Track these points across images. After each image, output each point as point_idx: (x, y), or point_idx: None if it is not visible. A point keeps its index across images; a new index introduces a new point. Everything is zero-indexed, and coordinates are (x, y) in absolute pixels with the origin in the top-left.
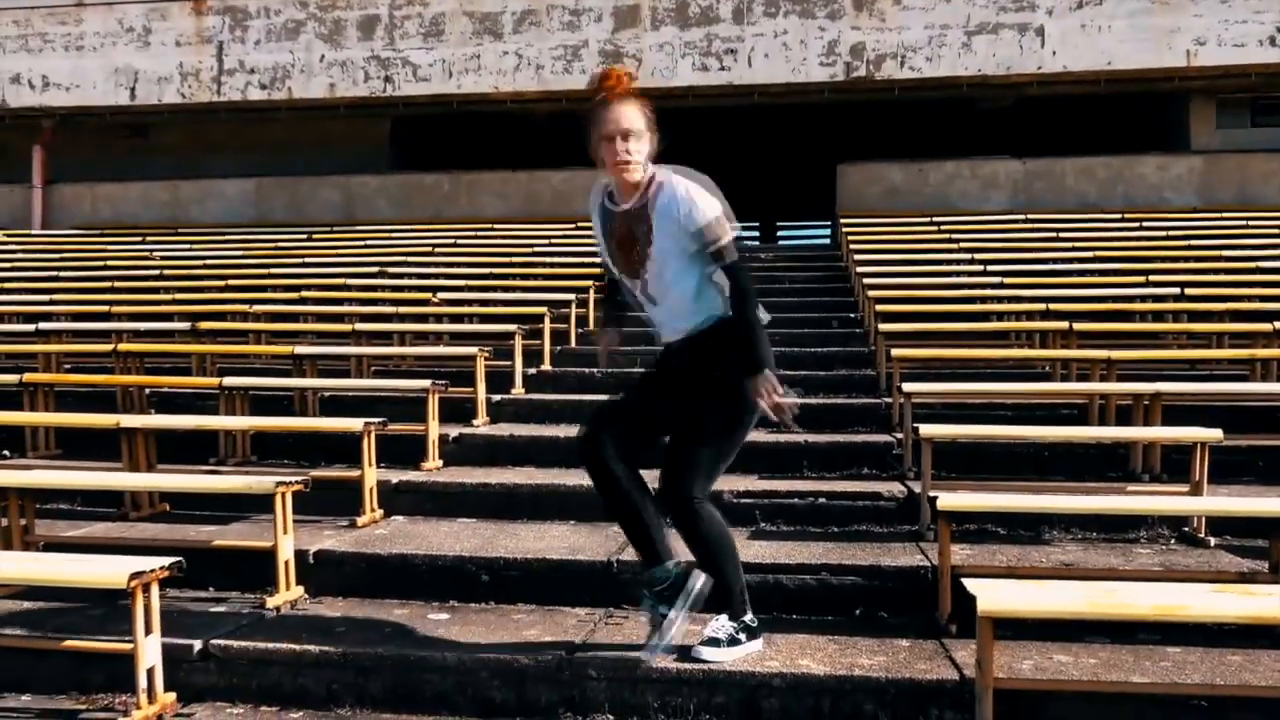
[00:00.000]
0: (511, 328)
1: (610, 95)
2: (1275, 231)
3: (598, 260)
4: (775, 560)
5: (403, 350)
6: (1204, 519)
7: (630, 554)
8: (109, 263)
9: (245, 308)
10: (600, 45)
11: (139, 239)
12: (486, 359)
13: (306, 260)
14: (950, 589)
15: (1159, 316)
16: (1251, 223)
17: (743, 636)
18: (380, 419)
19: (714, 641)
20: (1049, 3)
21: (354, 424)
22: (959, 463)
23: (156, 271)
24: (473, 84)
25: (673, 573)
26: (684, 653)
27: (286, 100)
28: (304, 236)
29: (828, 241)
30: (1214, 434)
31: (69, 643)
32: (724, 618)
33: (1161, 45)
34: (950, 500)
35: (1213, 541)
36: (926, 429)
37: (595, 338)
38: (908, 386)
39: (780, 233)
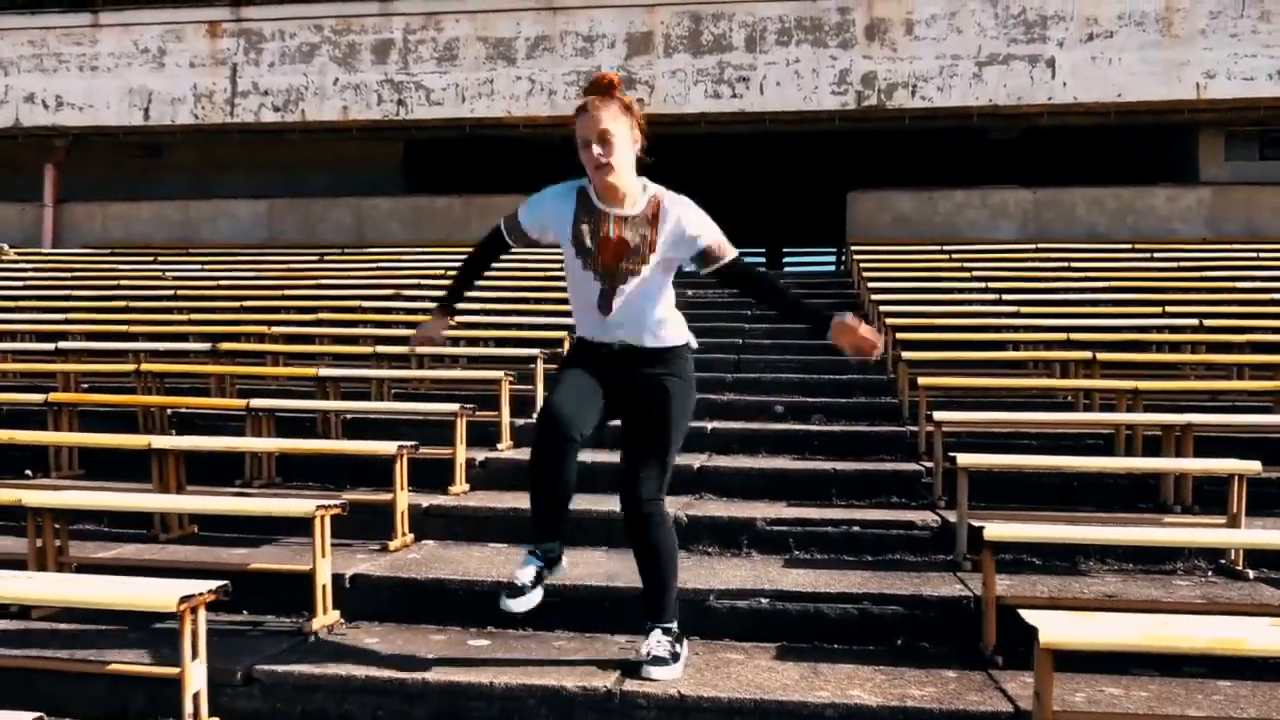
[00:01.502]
0: (534, 351)
1: (596, 99)
2: None
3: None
4: (815, 589)
5: (425, 374)
6: (1242, 552)
7: None
8: (122, 282)
9: (264, 329)
10: (613, 71)
11: (150, 258)
12: (510, 383)
13: (320, 282)
14: (995, 619)
15: (1175, 347)
16: (1262, 255)
17: (680, 648)
18: (411, 443)
19: (659, 660)
20: (1060, 35)
21: (387, 448)
22: (984, 492)
23: (170, 292)
24: (485, 108)
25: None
26: (633, 671)
27: (299, 122)
28: (316, 258)
29: (831, 269)
30: (1252, 466)
31: (113, 666)
32: (657, 633)
33: (1171, 78)
34: (997, 531)
35: (1251, 574)
36: (964, 458)
37: (426, 325)
38: (939, 415)
39: (785, 259)
